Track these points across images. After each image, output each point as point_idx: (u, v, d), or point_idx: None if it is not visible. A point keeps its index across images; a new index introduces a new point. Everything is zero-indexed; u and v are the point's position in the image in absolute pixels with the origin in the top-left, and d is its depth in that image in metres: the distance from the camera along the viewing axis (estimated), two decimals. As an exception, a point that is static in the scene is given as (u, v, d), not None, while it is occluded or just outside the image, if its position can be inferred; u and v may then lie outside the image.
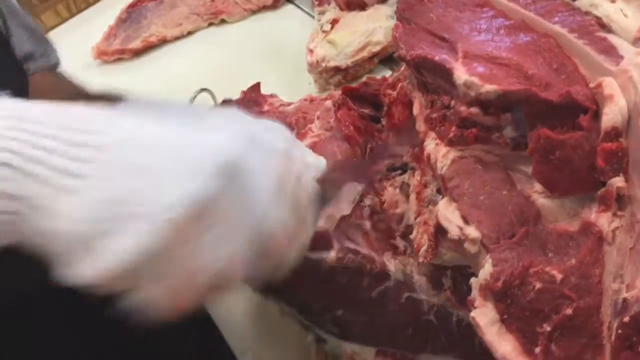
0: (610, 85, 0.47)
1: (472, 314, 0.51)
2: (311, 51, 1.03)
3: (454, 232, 0.55)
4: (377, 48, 1.01)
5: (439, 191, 0.63)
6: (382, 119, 0.77)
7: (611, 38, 0.53)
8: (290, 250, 0.45)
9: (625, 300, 0.46)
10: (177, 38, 1.22)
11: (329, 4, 1.08)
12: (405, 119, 0.70)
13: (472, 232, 0.54)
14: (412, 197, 0.67)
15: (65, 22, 1.36)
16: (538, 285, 0.50)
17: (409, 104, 0.70)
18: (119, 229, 0.36)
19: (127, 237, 0.36)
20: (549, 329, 0.49)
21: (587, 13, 0.57)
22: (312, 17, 1.12)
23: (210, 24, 1.24)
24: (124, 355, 0.66)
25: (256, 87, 0.82)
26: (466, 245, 0.54)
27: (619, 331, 0.46)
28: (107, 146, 0.37)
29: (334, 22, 1.06)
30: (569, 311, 0.49)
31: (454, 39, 0.58)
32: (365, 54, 1.01)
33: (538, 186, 0.54)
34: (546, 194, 0.54)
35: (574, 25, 0.55)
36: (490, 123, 0.54)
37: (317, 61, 1.02)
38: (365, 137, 0.77)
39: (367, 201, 0.71)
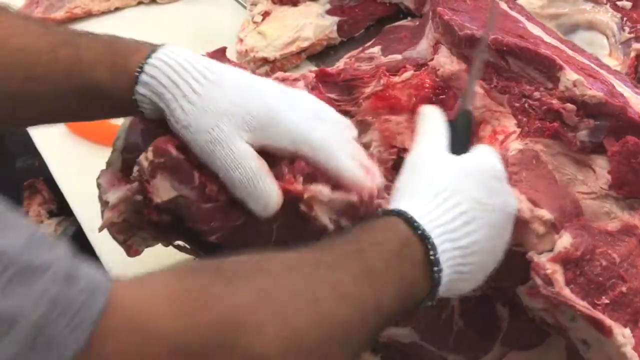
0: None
1: (551, 270, 0.56)
2: (241, 40, 1.01)
3: (525, 212, 0.60)
4: (305, 44, 1.02)
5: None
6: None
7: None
8: None
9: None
10: (104, 13, 1.12)
11: (262, -4, 1.07)
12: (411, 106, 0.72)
13: (546, 214, 0.60)
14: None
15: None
16: (604, 263, 0.58)
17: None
18: None
19: None
20: (606, 301, 0.57)
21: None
22: (244, 7, 1.10)
23: (140, 3, 1.14)
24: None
25: (222, 51, 0.76)
26: (535, 225, 0.60)
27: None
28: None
29: (266, 14, 1.05)
30: (623, 289, 0.58)
31: (532, 40, 0.66)
32: (293, 48, 1.01)
33: (582, 188, 0.64)
34: (590, 196, 0.63)
35: (617, 75, 0.68)
36: (572, 122, 0.62)
37: (246, 50, 1.00)
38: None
39: None
